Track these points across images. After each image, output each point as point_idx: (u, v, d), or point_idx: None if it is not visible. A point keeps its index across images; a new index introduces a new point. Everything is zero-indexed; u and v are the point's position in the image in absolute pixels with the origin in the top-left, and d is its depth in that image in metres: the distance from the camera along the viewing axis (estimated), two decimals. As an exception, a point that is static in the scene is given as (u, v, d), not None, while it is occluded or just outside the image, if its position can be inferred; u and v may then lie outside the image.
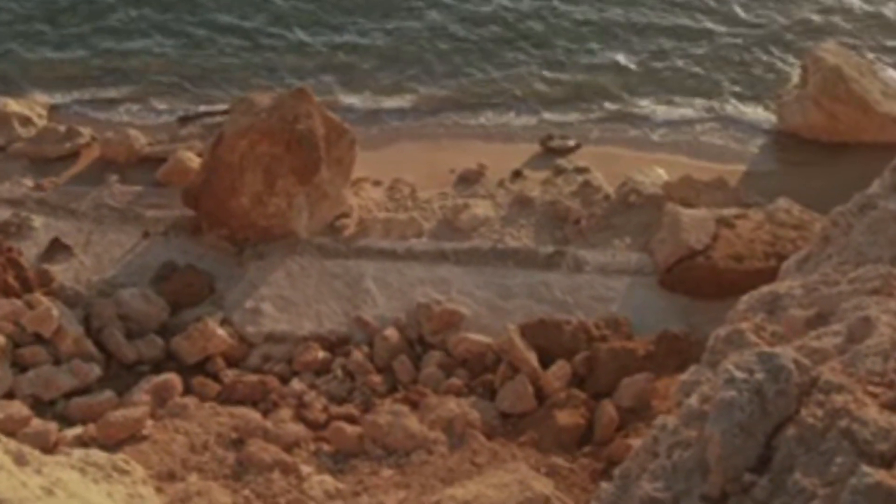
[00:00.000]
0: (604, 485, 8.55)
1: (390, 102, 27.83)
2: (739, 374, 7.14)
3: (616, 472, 8.37)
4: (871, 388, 7.09)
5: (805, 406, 7.04)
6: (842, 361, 7.36)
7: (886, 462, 6.48)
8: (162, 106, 27.61)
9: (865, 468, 6.40)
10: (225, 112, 25.40)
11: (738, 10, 31.38)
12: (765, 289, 9.29)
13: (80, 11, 30.52)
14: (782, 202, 21.91)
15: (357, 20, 30.46)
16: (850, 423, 6.69)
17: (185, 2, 30.92)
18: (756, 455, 7.02)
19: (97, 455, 13.58)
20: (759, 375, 7.13)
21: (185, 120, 26.79)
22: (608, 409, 17.84)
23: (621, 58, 29.50)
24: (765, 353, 7.26)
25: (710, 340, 8.79)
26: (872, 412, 6.76)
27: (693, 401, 7.70)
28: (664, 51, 29.77)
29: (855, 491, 6.28)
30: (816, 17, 31.27)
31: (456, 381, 19.20)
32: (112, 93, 27.94)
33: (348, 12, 30.86)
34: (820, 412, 6.90)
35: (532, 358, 19.15)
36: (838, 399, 6.86)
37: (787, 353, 7.26)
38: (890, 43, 30.02)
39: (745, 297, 9.43)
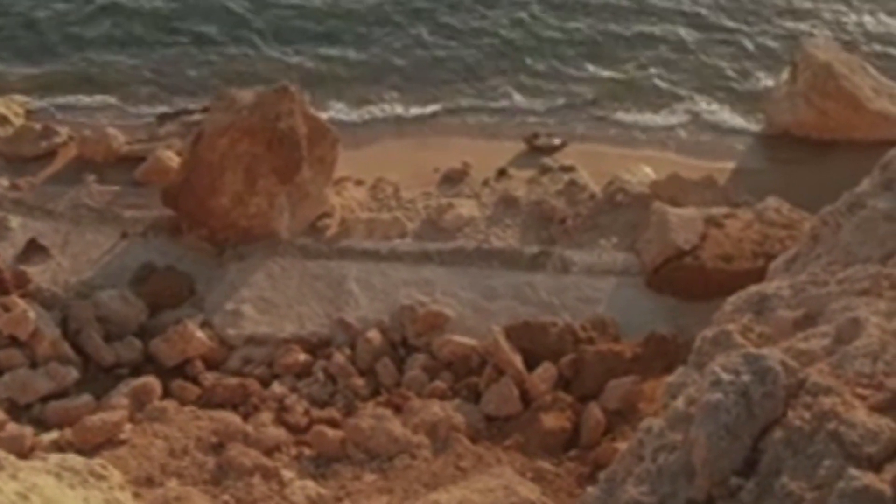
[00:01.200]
0: (589, 489, 8.56)
1: (368, 114, 27.86)
2: (725, 376, 7.15)
3: (601, 475, 8.38)
4: (859, 390, 7.10)
5: (792, 408, 7.04)
6: (830, 363, 7.37)
7: (875, 465, 6.49)
8: (139, 106, 27.59)
9: (853, 471, 6.41)
10: (205, 110, 25.36)
11: (722, 14, 31.55)
12: (752, 289, 9.30)
13: (57, 17, 30.51)
14: (771, 201, 21.93)
15: (334, 32, 30.43)
16: (838, 426, 6.70)
17: (161, 12, 30.83)
18: (742, 458, 7.03)
19: (74, 460, 13.53)
20: (746, 377, 7.14)
21: (164, 118, 26.72)
22: (595, 412, 17.85)
23: (607, 60, 29.53)
24: (751, 354, 7.26)
25: (697, 342, 8.80)
26: (861, 414, 6.77)
27: (679, 403, 7.70)
28: (650, 52, 29.92)
29: (843, 494, 6.28)
30: (800, 23, 31.49)
31: (440, 384, 19.19)
32: (88, 100, 27.86)
33: (324, 24, 30.87)
34: (807, 414, 6.91)
35: (517, 360, 19.15)
36: (826, 401, 6.87)
37: (774, 355, 7.27)
38: (875, 49, 30.21)
39: (731, 298, 9.44)
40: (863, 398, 6.98)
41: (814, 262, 9.33)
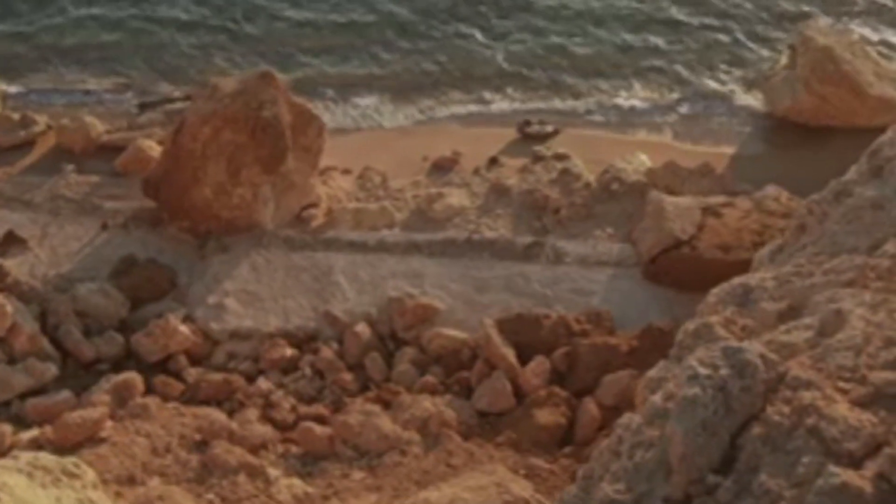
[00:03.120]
0: (569, 487, 8.57)
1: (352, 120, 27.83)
2: (703, 371, 7.15)
3: (579, 472, 8.39)
4: (840, 384, 7.10)
5: (771, 403, 7.05)
6: (811, 356, 7.37)
7: (855, 462, 6.50)
8: (119, 94, 27.62)
9: (833, 468, 6.42)
10: (186, 98, 25.38)
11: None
12: (736, 281, 9.30)
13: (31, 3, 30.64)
14: (770, 189, 21.95)
15: (318, 45, 30.41)
16: (818, 421, 6.71)
17: (131, 23, 30.87)
18: (720, 455, 7.04)
19: (46, 459, 13.55)
20: (724, 371, 7.14)
21: (145, 106, 26.72)
22: (590, 407, 17.85)
23: (601, 46, 29.63)
24: (730, 347, 7.27)
25: (679, 335, 8.82)
26: (842, 409, 6.78)
27: (657, 398, 7.71)
28: (646, 37, 30.01)
29: (821, 492, 6.30)
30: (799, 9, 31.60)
31: (430, 379, 19.22)
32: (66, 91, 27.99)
33: (299, 6, 30.93)
34: (787, 409, 6.92)
35: (510, 354, 19.16)
36: (806, 396, 6.88)
37: (753, 348, 7.27)
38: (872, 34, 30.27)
39: (715, 290, 9.44)
40: (844, 392, 6.99)
41: (799, 253, 9.34)
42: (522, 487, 15.34)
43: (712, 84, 28.07)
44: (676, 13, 30.85)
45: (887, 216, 8.86)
